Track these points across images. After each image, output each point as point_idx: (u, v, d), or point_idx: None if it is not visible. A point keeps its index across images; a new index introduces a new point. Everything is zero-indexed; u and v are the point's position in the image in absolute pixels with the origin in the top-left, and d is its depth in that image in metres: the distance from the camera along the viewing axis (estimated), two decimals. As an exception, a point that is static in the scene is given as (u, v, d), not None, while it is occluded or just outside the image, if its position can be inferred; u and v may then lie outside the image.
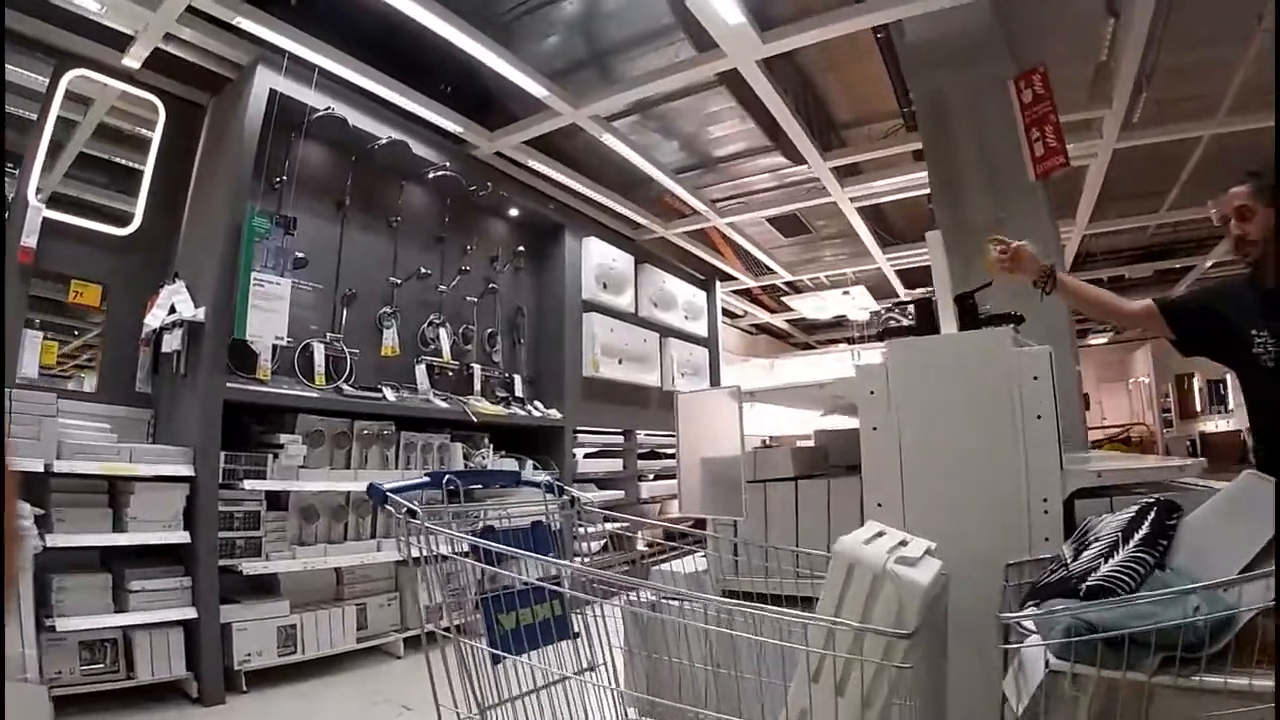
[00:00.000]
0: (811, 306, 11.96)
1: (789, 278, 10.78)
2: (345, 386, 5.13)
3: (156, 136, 5.11)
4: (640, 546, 7.85)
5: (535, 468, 6.46)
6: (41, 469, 3.75)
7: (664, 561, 3.06)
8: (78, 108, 4.92)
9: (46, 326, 4.64)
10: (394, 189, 5.96)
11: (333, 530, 5.03)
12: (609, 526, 2.93)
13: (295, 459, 4.69)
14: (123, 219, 4.98)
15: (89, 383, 4.78)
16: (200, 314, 4.45)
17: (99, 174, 5.04)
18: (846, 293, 11.29)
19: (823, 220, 9.50)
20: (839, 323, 14.68)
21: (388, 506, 2.09)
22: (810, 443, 4.20)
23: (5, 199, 4.37)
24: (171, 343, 4.47)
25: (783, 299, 12.13)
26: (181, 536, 4.22)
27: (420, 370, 5.77)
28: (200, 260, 4.73)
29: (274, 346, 4.76)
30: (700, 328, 9.49)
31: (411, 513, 2.07)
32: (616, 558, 6.21)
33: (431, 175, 6.02)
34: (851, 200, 8.12)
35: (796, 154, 7.10)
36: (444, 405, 5.74)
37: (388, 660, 5.13)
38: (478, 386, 6.26)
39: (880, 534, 1.90)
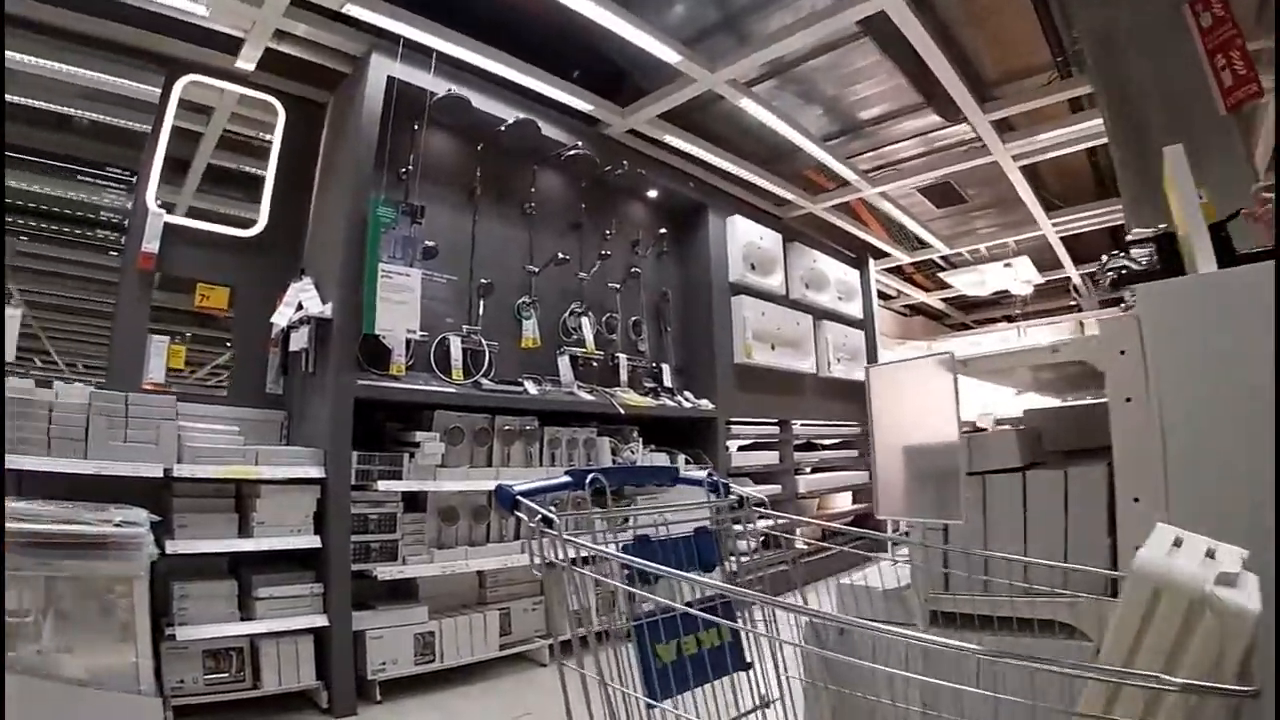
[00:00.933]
0: (968, 282, 10.87)
1: (945, 251, 9.79)
2: (484, 381, 4.70)
3: (277, 137, 4.87)
4: (799, 545, 7.17)
5: (688, 462, 5.90)
6: (160, 474, 3.48)
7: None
8: (199, 118, 4.73)
9: (173, 331, 4.42)
10: (526, 174, 5.50)
11: (474, 532, 4.62)
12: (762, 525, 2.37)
13: (433, 458, 4.28)
14: (247, 221, 4.74)
15: (219, 386, 4.56)
16: (327, 310, 4.11)
17: (224, 181, 4.81)
18: (1008, 264, 10.18)
19: (975, 188, 8.52)
20: (997, 300, 13.46)
21: (519, 513, 1.72)
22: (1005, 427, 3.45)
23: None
24: (299, 341, 4.14)
25: (939, 274, 11.12)
26: (312, 541, 3.88)
27: (563, 362, 5.30)
28: (326, 256, 4.40)
29: (407, 341, 4.38)
30: (854, 309, 8.68)
31: (547, 520, 1.65)
32: (772, 558, 5.54)
33: (564, 157, 5.54)
34: (1014, 159, 7.17)
35: (952, 110, 6.23)
36: (589, 398, 5.24)
37: (531, 669, 4.65)
38: (624, 377, 5.74)
39: (1178, 542, 1.25)
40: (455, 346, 4.66)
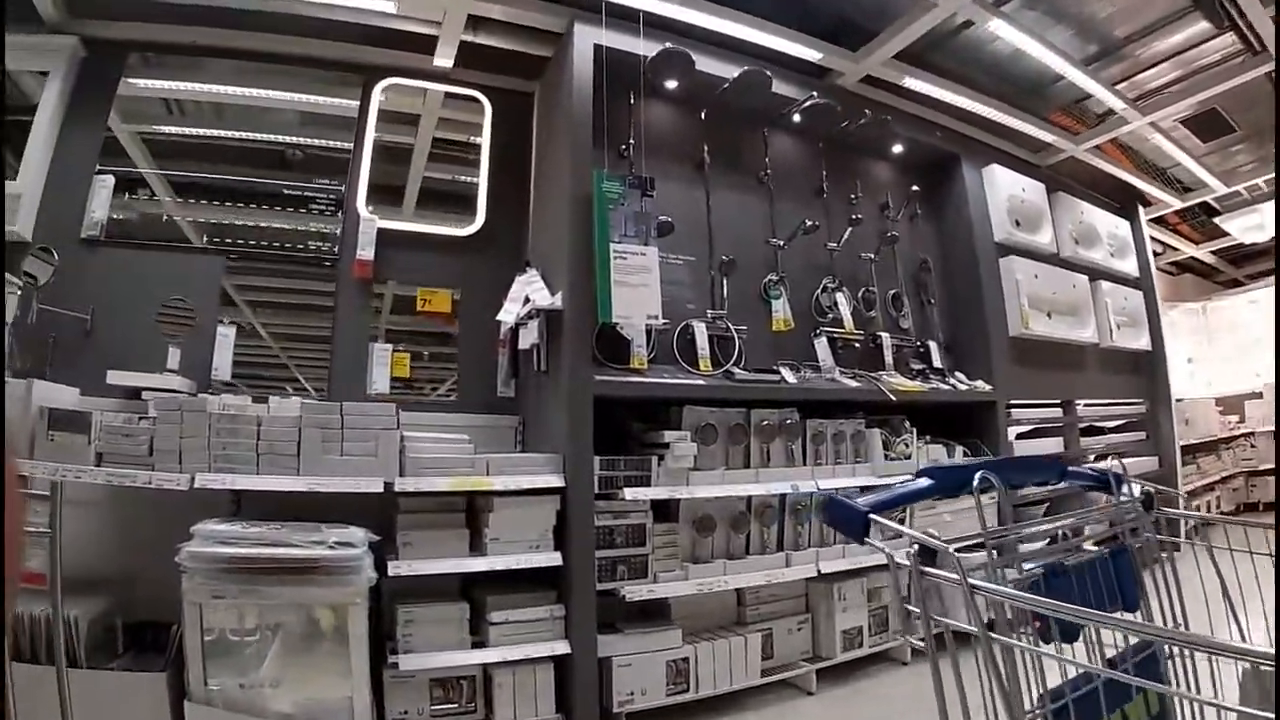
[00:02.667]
0: (1245, 226, 8.83)
1: (1221, 190, 7.90)
2: (736, 370, 3.86)
3: (485, 131, 4.37)
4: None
5: (965, 454, 4.81)
6: (380, 488, 2.93)
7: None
8: (406, 129, 4.32)
9: (396, 338, 3.98)
10: (756, 139, 4.61)
11: (732, 543, 3.79)
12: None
13: (685, 459, 3.50)
14: (463, 220, 4.19)
15: (447, 393, 4.02)
16: (557, 300, 3.43)
17: (438, 196, 4.33)
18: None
19: (1240, 113, 6.73)
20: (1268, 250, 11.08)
21: (873, 542, 1.35)
22: None
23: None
24: (529, 337, 3.50)
25: (1214, 219, 9.14)
26: (551, 558, 3.23)
27: (820, 345, 4.35)
28: (551, 244, 3.74)
29: (648, 329, 3.62)
30: (1128, 266, 7.13)
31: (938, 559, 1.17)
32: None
33: (797, 116, 4.62)
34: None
35: (1218, 14, 4.80)
36: (853, 384, 4.27)
37: (797, 697, 3.78)
38: (889, 359, 4.72)
39: None
40: (700, 333, 3.85)
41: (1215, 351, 9.30)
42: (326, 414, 2.99)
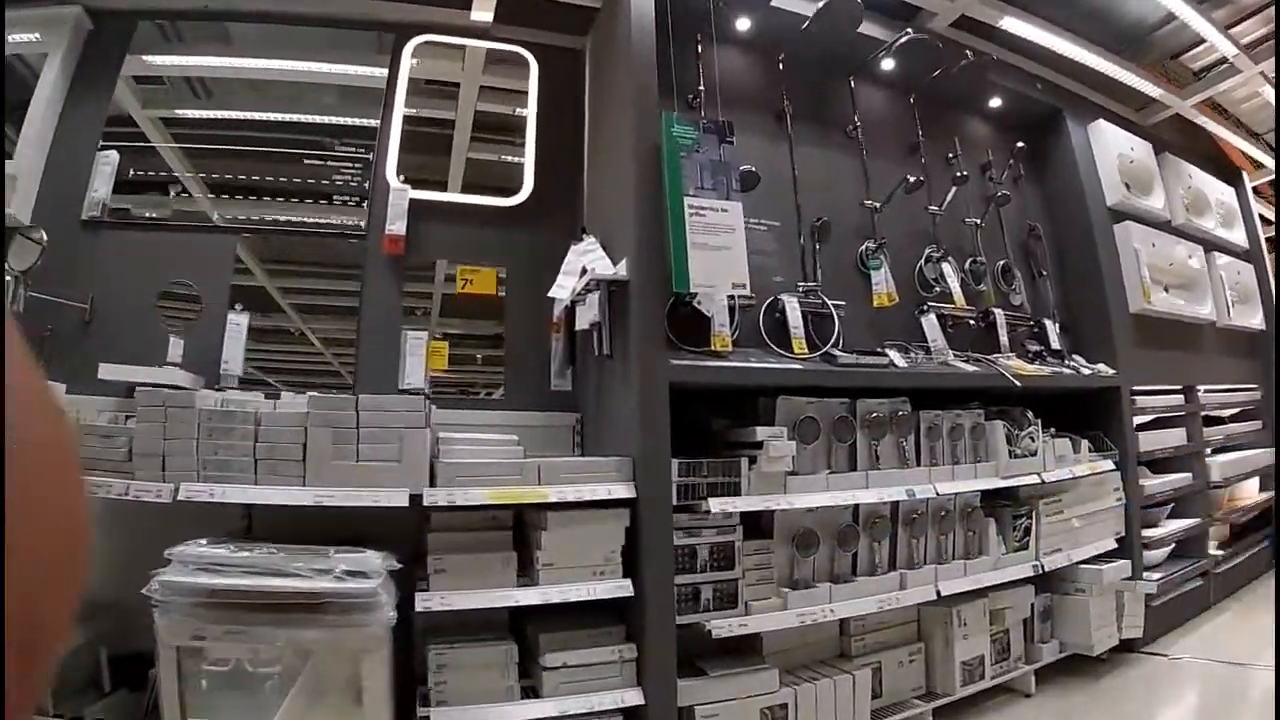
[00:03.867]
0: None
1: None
2: (836, 353, 3.11)
3: (532, 90, 3.68)
4: (1213, 550, 4.98)
5: (1090, 450, 4.00)
6: (405, 500, 2.24)
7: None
8: (446, 104, 3.64)
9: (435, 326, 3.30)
10: (842, 89, 3.83)
11: (837, 562, 3.03)
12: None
13: (781, 461, 2.73)
14: (508, 189, 3.49)
15: (492, 386, 3.33)
16: (621, 269, 2.70)
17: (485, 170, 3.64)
18: None
19: None
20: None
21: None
22: None
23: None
24: (587, 315, 2.76)
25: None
26: (620, 587, 2.51)
27: (929, 322, 3.57)
28: (612, 207, 3.01)
29: (731, 304, 2.90)
30: (1238, 237, 6.20)
31: None
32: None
33: (887, 62, 3.86)
34: None
35: None
36: (969, 369, 3.49)
37: None
38: (1003, 339, 3.91)
39: None
40: (792, 309, 3.10)
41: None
42: (338, 410, 2.30)
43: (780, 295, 3.12)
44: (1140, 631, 3.84)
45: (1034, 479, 3.47)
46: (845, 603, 2.88)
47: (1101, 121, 4.83)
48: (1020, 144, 4.31)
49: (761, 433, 2.74)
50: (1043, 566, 3.48)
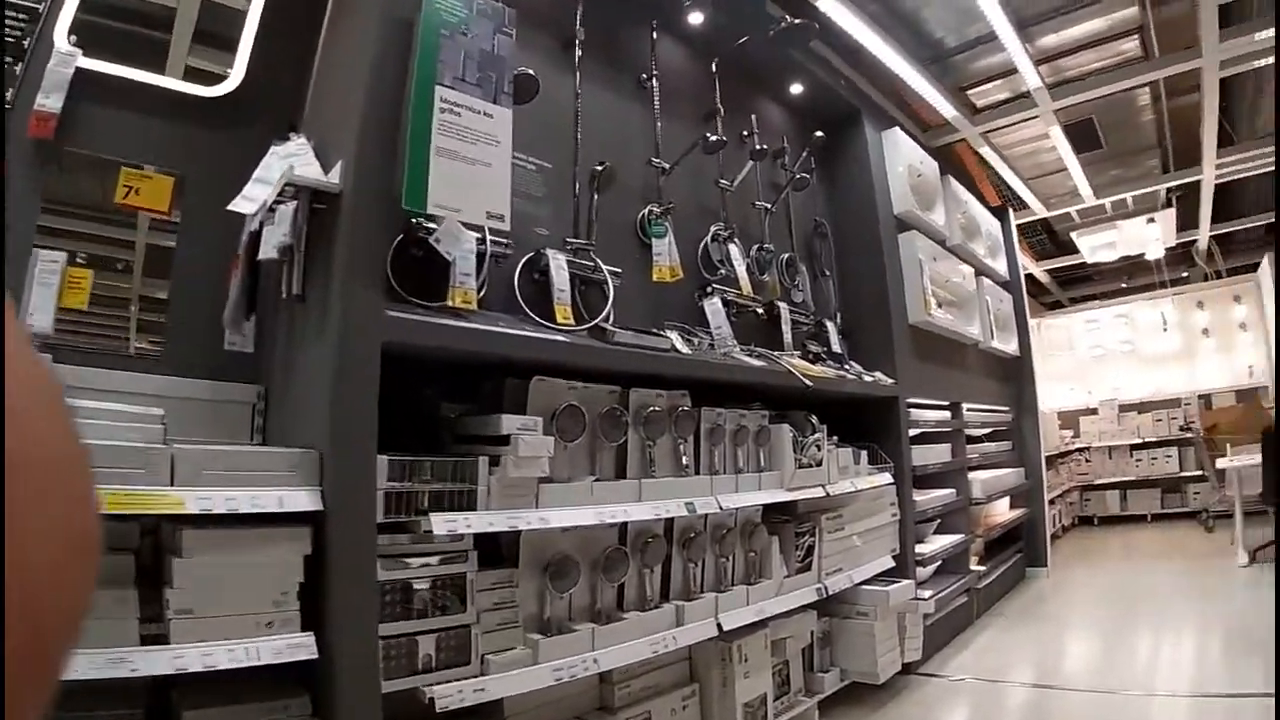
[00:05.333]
0: (1097, 244, 8.56)
1: (1092, 201, 7.48)
2: (609, 328, 2.50)
3: None
4: (974, 566, 4.97)
5: (866, 459, 3.72)
6: None
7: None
8: None
9: (75, 244, 2.26)
10: (643, 34, 3.27)
11: (600, 595, 2.39)
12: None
13: (535, 463, 2.06)
14: (212, 75, 2.57)
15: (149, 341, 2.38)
16: (334, 177, 1.94)
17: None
18: (1152, 220, 7.91)
19: (1114, 130, 6.35)
20: (1089, 276, 11.15)
21: None
22: None
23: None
24: (275, 238, 1.95)
25: (1064, 236, 8.83)
26: (297, 646, 1.69)
27: (713, 306, 3.06)
28: (340, 101, 2.19)
29: (482, 249, 2.21)
30: (1001, 267, 6.42)
31: None
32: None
33: (694, 15, 3.39)
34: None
35: None
36: (756, 363, 3.03)
37: None
38: (787, 336, 3.53)
39: None
40: (559, 269, 2.44)
41: (1048, 369, 9.01)
42: None
43: (545, 250, 2.45)
44: (920, 653, 3.63)
45: (819, 492, 3.08)
46: (612, 649, 2.24)
47: (898, 130, 4.69)
48: (820, 133, 3.97)
49: (509, 423, 2.05)
50: (826, 589, 3.09)
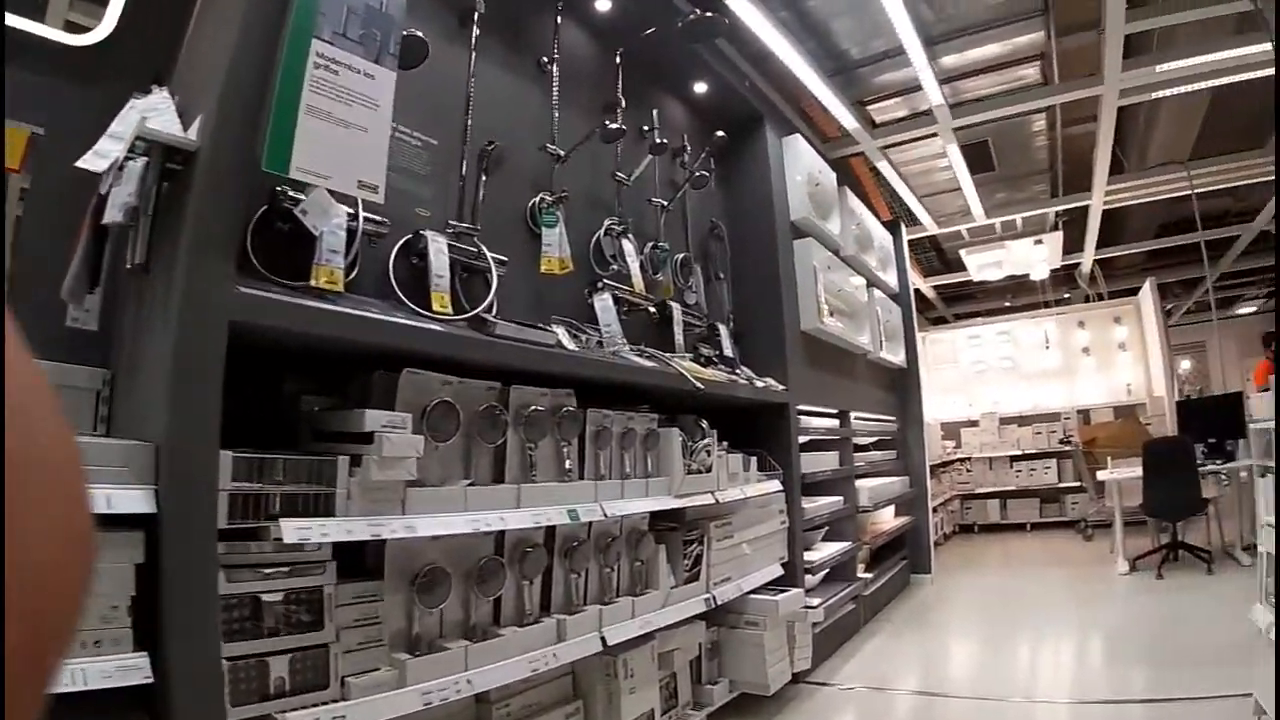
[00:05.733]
0: (984, 262, 8.92)
1: (983, 221, 7.77)
2: (491, 319, 2.34)
3: None
4: (861, 573, 5.03)
5: (762, 470, 3.69)
6: None
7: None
8: None
9: None
10: (547, 16, 3.11)
11: (474, 610, 2.20)
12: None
13: (401, 464, 1.87)
14: (80, 23, 2.27)
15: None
16: (191, 134, 1.71)
17: None
18: (1039, 241, 8.29)
19: (1010, 152, 6.66)
20: (974, 293, 11.68)
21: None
22: None
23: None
24: (120, 199, 1.70)
25: (950, 253, 9.17)
26: (129, 668, 1.45)
27: (603, 303, 2.94)
28: (207, 56, 1.97)
29: (353, 226, 2.02)
30: (891, 279, 6.56)
31: None
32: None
33: (600, 3, 3.28)
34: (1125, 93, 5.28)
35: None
36: (645, 364, 2.92)
37: None
38: (679, 338, 3.44)
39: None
40: (439, 253, 2.25)
41: (932, 381, 9.31)
42: None
43: (425, 231, 2.27)
44: (809, 662, 3.62)
45: (709, 499, 3.00)
46: (488, 669, 2.07)
47: (799, 137, 4.70)
48: (721, 133, 3.91)
49: (373, 420, 1.87)
50: (715, 599, 3.01)
